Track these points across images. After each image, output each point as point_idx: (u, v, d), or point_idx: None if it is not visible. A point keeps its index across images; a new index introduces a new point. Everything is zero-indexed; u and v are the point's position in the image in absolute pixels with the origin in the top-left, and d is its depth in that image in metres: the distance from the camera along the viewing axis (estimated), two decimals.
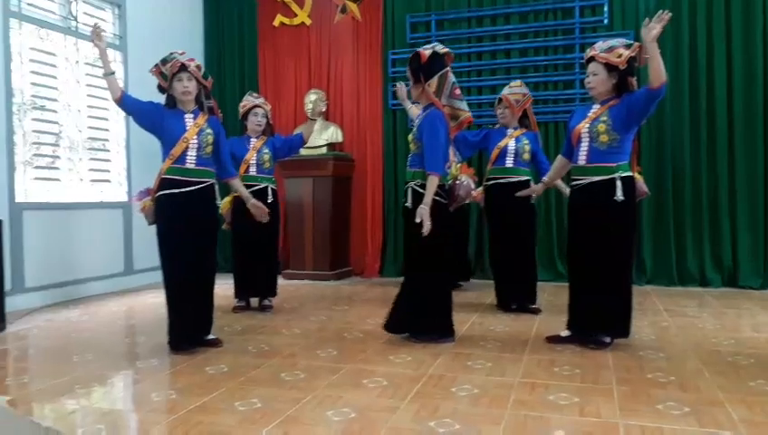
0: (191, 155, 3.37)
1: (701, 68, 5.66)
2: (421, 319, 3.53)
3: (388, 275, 6.43)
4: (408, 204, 3.50)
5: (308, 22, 6.89)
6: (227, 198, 4.45)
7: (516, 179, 4.40)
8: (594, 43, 3.42)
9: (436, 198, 3.40)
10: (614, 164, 3.27)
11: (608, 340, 3.40)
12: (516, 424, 2.30)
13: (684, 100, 5.70)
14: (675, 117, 5.72)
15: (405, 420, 2.35)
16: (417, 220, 3.33)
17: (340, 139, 6.55)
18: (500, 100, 4.55)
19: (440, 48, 3.51)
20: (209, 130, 3.44)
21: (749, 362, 3.10)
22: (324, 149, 6.40)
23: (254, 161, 4.52)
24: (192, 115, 3.44)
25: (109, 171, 5.93)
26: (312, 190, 6.32)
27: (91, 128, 5.70)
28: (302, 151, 5.90)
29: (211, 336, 3.54)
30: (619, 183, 3.23)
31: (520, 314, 4.37)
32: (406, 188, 3.59)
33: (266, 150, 4.57)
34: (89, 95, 5.66)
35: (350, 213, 6.69)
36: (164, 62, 3.43)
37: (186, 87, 3.38)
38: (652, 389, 2.68)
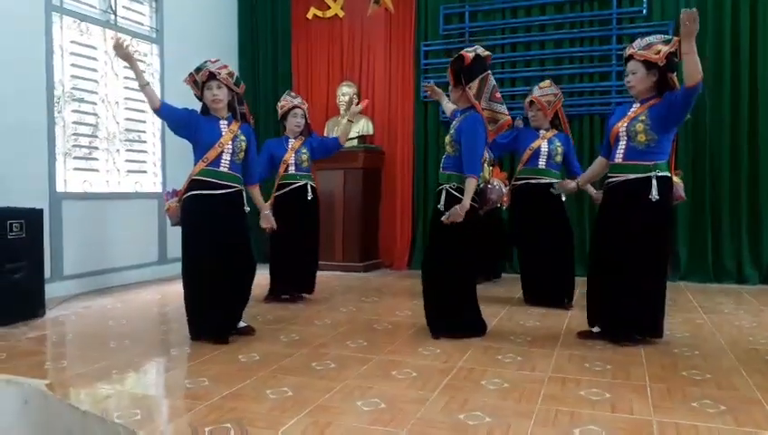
0: (225, 159, 3.42)
1: (743, 64, 5.51)
2: (454, 317, 3.51)
3: (416, 268, 6.41)
4: (441, 206, 3.46)
5: (341, 14, 6.90)
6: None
7: (547, 181, 4.33)
8: (632, 36, 3.34)
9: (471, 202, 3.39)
10: (651, 163, 3.21)
11: (639, 337, 3.34)
12: (547, 419, 2.28)
13: (725, 92, 5.56)
14: (715, 109, 5.57)
15: (434, 411, 2.36)
16: (445, 219, 3.33)
17: (371, 131, 6.56)
18: (531, 102, 4.48)
19: (482, 51, 3.47)
20: (243, 137, 3.49)
21: None
22: (355, 142, 6.42)
23: (293, 161, 4.59)
24: (226, 122, 3.48)
25: (145, 162, 6.04)
26: (342, 182, 6.35)
27: (128, 120, 5.81)
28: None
29: (242, 324, 3.60)
30: (654, 182, 3.17)
31: (550, 308, 4.32)
32: (439, 190, 3.54)
33: (304, 150, 4.63)
34: (126, 87, 5.77)
35: (379, 205, 6.70)
36: (197, 70, 3.46)
37: (215, 95, 3.41)
38: (687, 386, 2.63)
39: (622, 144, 3.31)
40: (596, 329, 3.47)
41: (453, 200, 3.41)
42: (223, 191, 3.41)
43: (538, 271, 4.45)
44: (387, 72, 6.71)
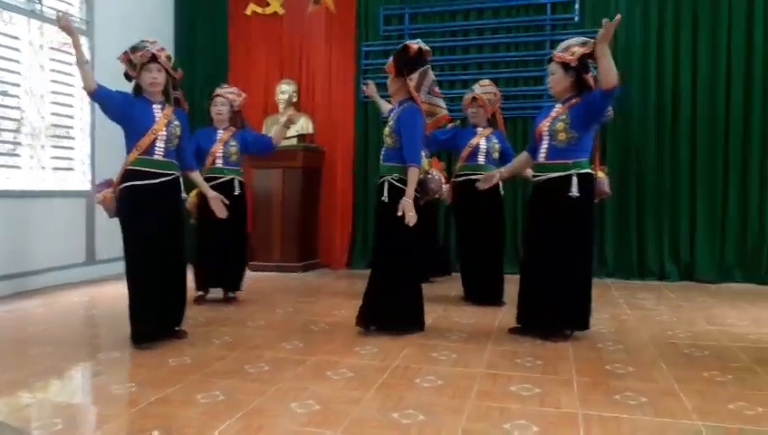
0: (159, 147, 3.31)
1: (667, 72, 5.81)
2: (393, 312, 3.54)
3: (356, 268, 6.44)
4: (385, 198, 3.49)
5: (281, 11, 6.82)
6: (194, 192, 4.38)
7: None
8: (563, 41, 3.49)
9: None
10: (571, 161, 3.35)
11: (568, 332, 3.47)
12: (479, 414, 2.33)
13: (650, 99, 5.85)
14: (640, 117, 5.86)
15: (369, 411, 2.36)
16: (400, 213, 3.35)
17: (310, 130, 6.51)
18: (473, 99, 4.58)
19: (424, 45, 3.53)
20: (177, 123, 3.38)
21: (703, 353, 3.20)
22: (294, 141, 6.35)
23: (221, 154, 4.46)
24: (160, 106, 3.37)
25: (72, 159, 5.79)
26: (281, 182, 6.28)
27: (54, 114, 5.55)
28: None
29: (176, 327, 3.51)
30: (574, 179, 3.30)
31: (485, 306, 4.42)
32: (381, 183, 3.56)
33: (233, 143, 4.50)
34: (53, 81, 5.51)
35: (318, 205, 6.67)
36: (133, 49, 3.32)
37: (154, 78, 3.30)
38: (611, 380, 2.75)
39: (545, 143, 3.45)
40: (523, 325, 3.57)
41: (396, 191, 3.45)
42: (161, 180, 3.31)
43: (476, 268, 4.55)
44: (327, 71, 6.68)
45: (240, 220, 4.50)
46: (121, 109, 3.30)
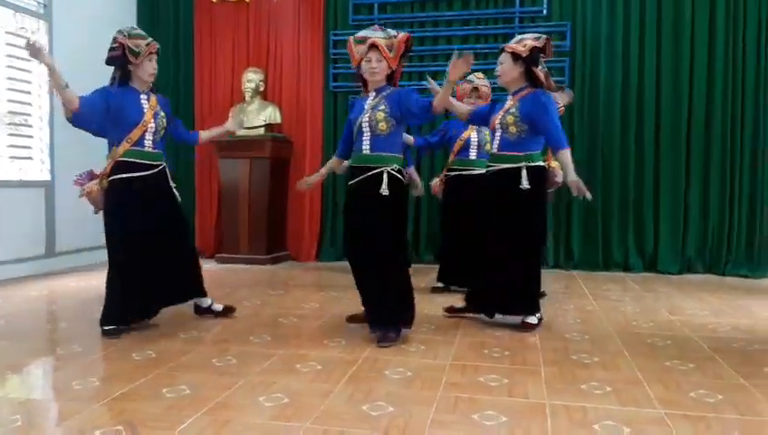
0: (148, 139, 3.36)
1: (633, 69, 5.88)
2: (410, 305, 3.31)
3: (325, 260, 6.40)
4: (385, 191, 3.15)
5: None
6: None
7: (478, 172, 4.39)
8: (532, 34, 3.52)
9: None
10: (522, 153, 3.40)
11: (534, 321, 3.53)
12: (447, 406, 2.34)
13: (615, 98, 5.93)
14: (606, 116, 5.95)
15: (338, 403, 2.35)
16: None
17: (278, 120, 6.42)
18: (475, 88, 4.51)
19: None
20: (162, 114, 3.45)
21: (665, 343, 3.28)
22: (262, 130, 6.26)
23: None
24: (146, 97, 3.41)
25: (30, 148, 5.59)
26: (248, 172, 6.18)
27: (11, 101, 5.35)
28: (240, 132, 5.74)
29: (218, 306, 3.74)
30: (524, 172, 3.36)
31: (452, 295, 4.43)
32: (376, 173, 3.19)
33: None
34: (9, 66, 5.30)
35: (287, 196, 6.59)
36: (131, 36, 3.30)
37: (155, 68, 3.41)
38: (577, 369, 2.79)
39: (498, 135, 3.52)
40: (459, 305, 3.74)
41: (396, 183, 3.19)
42: (152, 172, 3.38)
43: (460, 253, 4.46)
44: (295, 59, 6.59)
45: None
46: (104, 113, 3.27)
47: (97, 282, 4.62)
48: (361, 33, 3.30)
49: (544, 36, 3.41)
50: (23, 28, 5.34)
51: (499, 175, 3.47)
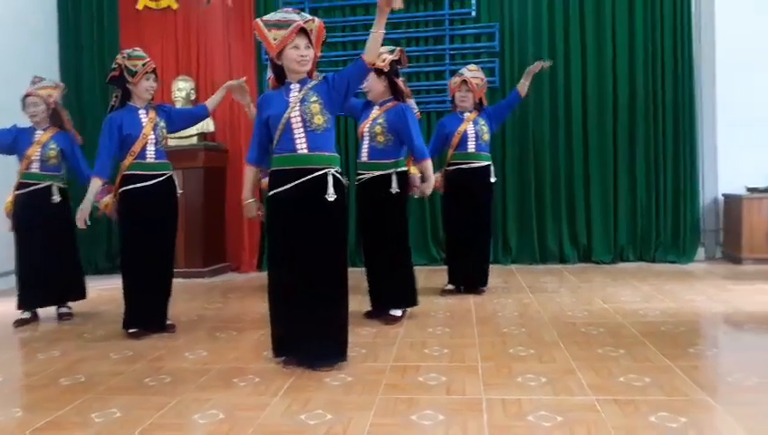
0: (150, 150, 3.57)
1: (559, 68, 6.05)
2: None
3: (267, 270, 6.28)
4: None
5: (174, 5, 6.53)
6: (9, 198, 4.11)
7: (478, 165, 4.44)
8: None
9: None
10: (390, 160, 3.70)
11: (399, 313, 3.77)
12: (387, 408, 2.33)
13: (544, 96, 6.10)
14: (536, 112, 6.11)
15: (275, 416, 2.31)
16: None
17: (211, 128, 6.29)
18: (464, 82, 4.48)
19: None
20: (162, 124, 3.64)
21: (599, 331, 3.39)
22: (195, 140, 6.11)
23: (38, 157, 4.04)
24: (144, 111, 3.61)
25: None
26: (181, 183, 5.94)
27: None
28: (170, 142, 5.57)
29: (169, 321, 3.77)
30: (394, 177, 3.67)
31: (469, 293, 4.52)
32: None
33: (53, 145, 4.08)
34: None
35: (224, 206, 6.45)
36: (130, 57, 3.56)
37: (152, 86, 3.62)
38: (513, 363, 2.85)
39: (366, 143, 3.77)
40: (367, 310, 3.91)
41: (340, 189, 3.01)
42: (155, 181, 3.58)
43: (463, 254, 4.52)
44: (226, 66, 6.47)
45: (64, 229, 4.11)
46: (119, 142, 3.53)
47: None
48: (277, 16, 2.93)
49: (398, 48, 3.73)
50: None
51: (371, 182, 3.74)
